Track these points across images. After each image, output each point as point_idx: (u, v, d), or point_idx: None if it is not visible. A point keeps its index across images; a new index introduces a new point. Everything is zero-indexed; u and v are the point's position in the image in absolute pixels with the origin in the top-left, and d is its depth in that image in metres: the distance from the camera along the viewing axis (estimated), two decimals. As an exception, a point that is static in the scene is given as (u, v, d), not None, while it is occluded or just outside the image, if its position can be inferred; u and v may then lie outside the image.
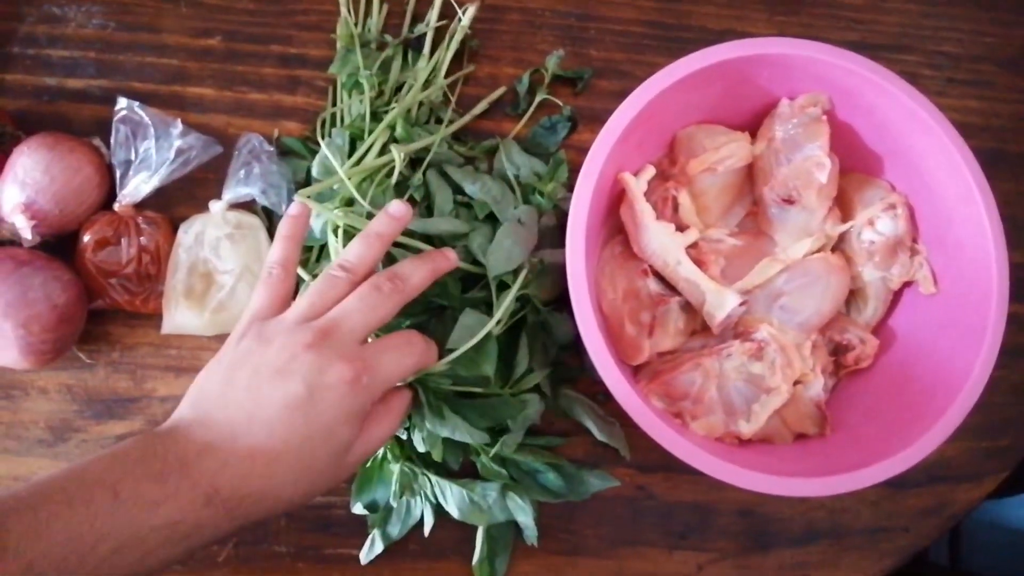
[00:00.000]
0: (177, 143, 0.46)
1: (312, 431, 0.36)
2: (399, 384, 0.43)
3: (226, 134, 0.52)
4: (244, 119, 0.52)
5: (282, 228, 0.42)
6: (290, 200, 0.49)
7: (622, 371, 0.44)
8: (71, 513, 0.32)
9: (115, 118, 0.48)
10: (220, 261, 0.48)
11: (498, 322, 0.46)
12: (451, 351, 0.46)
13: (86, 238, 0.47)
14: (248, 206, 0.51)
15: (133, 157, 0.47)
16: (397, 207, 0.42)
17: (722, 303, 0.48)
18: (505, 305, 0.45)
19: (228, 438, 0.35)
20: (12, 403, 0.49)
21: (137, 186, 0.47)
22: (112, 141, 0.48)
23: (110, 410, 0.50)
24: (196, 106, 0.53)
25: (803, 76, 0.49)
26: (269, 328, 0.38)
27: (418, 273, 0.41)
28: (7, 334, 0.44)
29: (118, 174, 0.48)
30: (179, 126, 0.48)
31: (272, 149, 0.50)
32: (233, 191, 0.49)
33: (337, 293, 0.39)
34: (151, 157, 0.46)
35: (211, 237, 0.48)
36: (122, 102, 0.48)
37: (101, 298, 0.48)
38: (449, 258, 0.44)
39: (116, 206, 0.48)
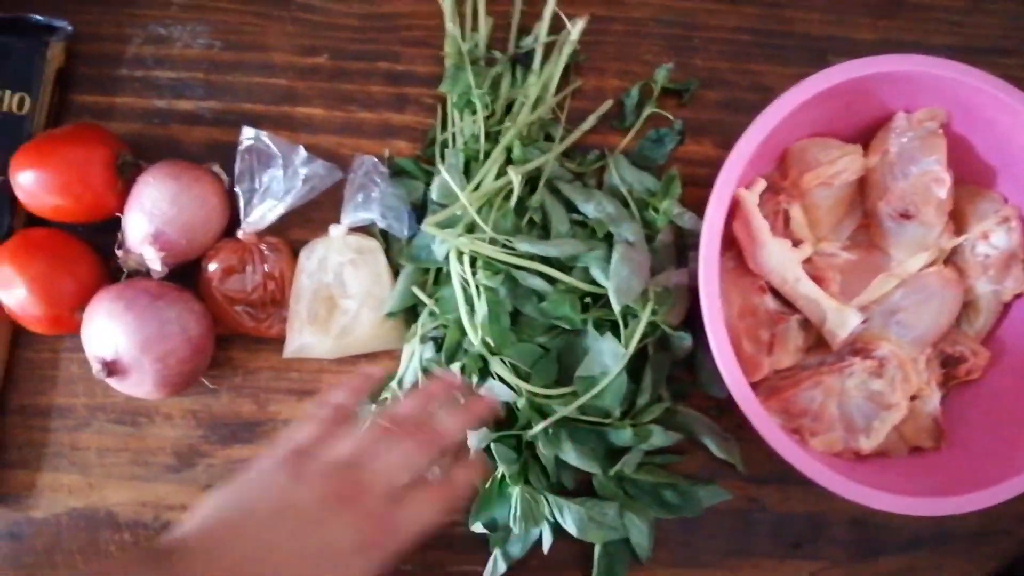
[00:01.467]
0: (303, 171, 0.47)
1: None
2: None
3: (337, 154, 0.52)
4: (354, 139, 0.53)
5: (355, 380, 0.43)
6: (411, 223, 0.50)
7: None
8: None
9: (240, 147, 0.48)
10: (343, 286, 0.49)
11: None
12: (579, 378, 0.47)
13: (212, 267, 0.48)
14: (365, 228, 0.51)
15: (257, 185, 0.47)
16: (453, 375, 0.45)
17: (844, 322, 0.48)
18: (637, 336, 0.46)
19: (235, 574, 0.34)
20: (138, 430, 0.50)
21: (263, 214, 0.48)
22: (236, 169, 0.48)
23: (235, 435, 0.51)
24: (306, 127, 0.53)
25: (923, 90, 0.49)
26: (307, 465, 0.38)
27: (459, 426, 0.42)
28: (145, 368, 0.45)
29: (241, 201, 0.48)
30: (302, 153, 0.48)
31: (386, 171, 0.50)
32: (352, 215, 0.49)
33: (381, 446, 0.39)
34: (278, 185, 0.46)
35: (334, 263, 0.49)
36: (248, 132, 0.48)
37: (227, 325, 0.48)
38: (491, 407, 0.45)
39: (240, 233, 0.48)
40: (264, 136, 0.48)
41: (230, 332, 0.50)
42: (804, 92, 0.46)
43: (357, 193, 0.49)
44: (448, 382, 0.45)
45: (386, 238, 0.51)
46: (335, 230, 0.49)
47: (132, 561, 0.34)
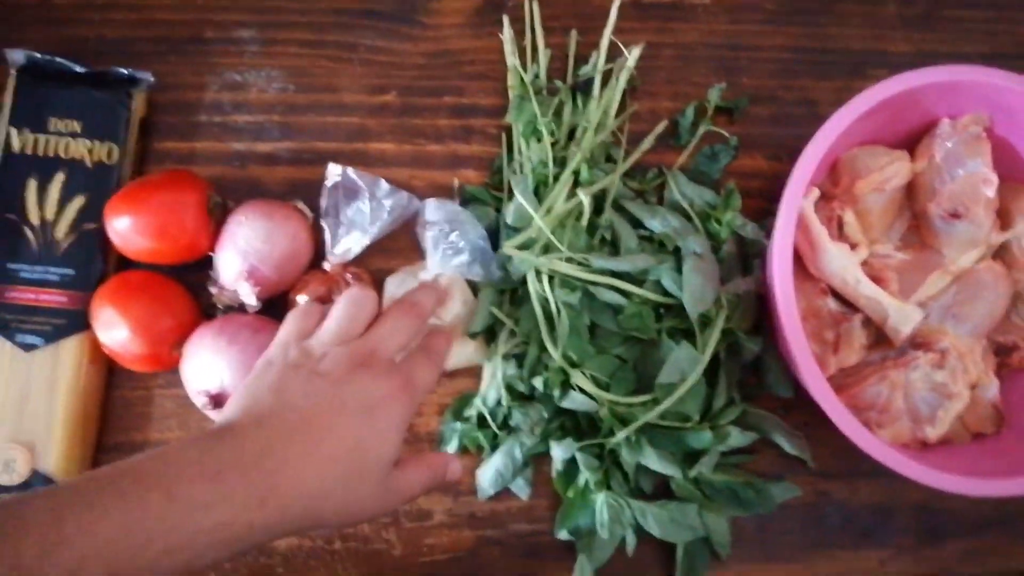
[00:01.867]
0: (387, 202, 0.49)
1: (365, 436, 0.39)
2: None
3: (410, 186, 0.55)
4: (424, 171, 0.55)
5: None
6: (496, 268, 0.52)
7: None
8: (124, 512, 0.32)
9: (327, 183, 0.50)
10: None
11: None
12: (659, 385, 0.49)
13: (302, 298, 0.50)
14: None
15: (343, 218, 0.50)
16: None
17: (907, 318, 0.51)
18: (713, 342, 0.48)
19: (286, 438, 0.37)
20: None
21: (349, 246, 0.50)
22: (323, 204, 0.51)
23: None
24: (379, 161, 0.56)
25: (965, 97, 0.52)
26: (313, 344, 0.41)
27: (428, 300, 0.47)
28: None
29: (328, 235, 0.51)
30: (384, 186, 0.51)
31: (473, 219, 0.53)
32: (441, 265, 0.51)
33: (363, 316, 0.43)
34: (363, 217, 0.49)
35: None
36: (335, 168, 0.50)
37: None
38: (438, 293, 0.49)
39: (327, 265, 0.51)
40: (350, 171, 0.50)
41: None
42: (857, 108, 0.49)
43: (441, 242, 0.51)
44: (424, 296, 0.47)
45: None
46: (424, 274, 0.52)
47: (196, 444, 0.36)
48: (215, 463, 0.35)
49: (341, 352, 0.41)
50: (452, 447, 0.53)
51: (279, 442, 0.36)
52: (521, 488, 0.53)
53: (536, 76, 0.56)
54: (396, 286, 0.52)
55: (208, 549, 0.34)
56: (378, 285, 0.53)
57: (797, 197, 0.48)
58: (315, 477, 0.37)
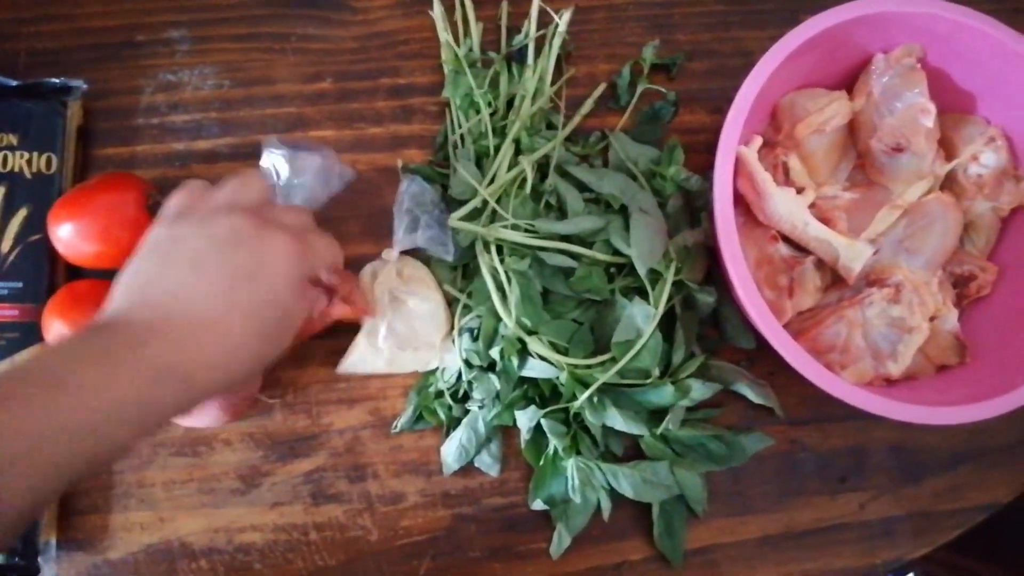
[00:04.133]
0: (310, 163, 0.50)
1: (261, 297, 0.38)
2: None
3: (354, 171, 0.55)
4: (367, 154, 0.56)
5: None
6: (456, 249, 0.53)
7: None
8: (10, 413, 0.31)
9: (262, 163, 0.51)
10: (401, 304, 0.52)
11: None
12: (615, 343, 0.50)
13: None
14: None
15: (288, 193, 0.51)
16: None
17: (857, 255, 0.52)
18: (664, 296, 0.49)
19: (177, 313, 0.36)
20: (201, 459, 0.53)
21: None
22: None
23: (293, 450, 0.53)
24: (320, 148, 0.56)
25: (896, 30, 0.53)
26: (204, 208, 0.40)
27: None
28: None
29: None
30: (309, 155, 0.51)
31: (436, 196, 0.53)
32: (402, 242, 0.52)
33: (256, 194, 0.42)
34: (305, 190, 0.50)
35: (390, 283, 0.52)
36: (266, 152, 0.51)
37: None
38: None
39: None
40: (276, 141, 0.51)
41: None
42: (786, 47, 0.50)
43: (404, 218, 0.52)
44: None
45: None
46: (388, 255, 0.53)
47: (81, 336, 0.35)
48: (103, 346, 0.34)
49: (234, 212, 0.39)
50: (410, 419, 0.54)
51: (171, 317, 0.36)
52: (489, 466, 0.54)
53: (470, 50, 0.57)
54: (370, 275, 0.52)
55: (114, 429, 0.34)
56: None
57: (732, 142, 0.48)
58: (215, 344, 0.36)
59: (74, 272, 0.53)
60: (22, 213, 0.52)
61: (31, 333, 0.51)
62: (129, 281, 0.38)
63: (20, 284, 0.51)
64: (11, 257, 0.51)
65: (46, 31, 0.57)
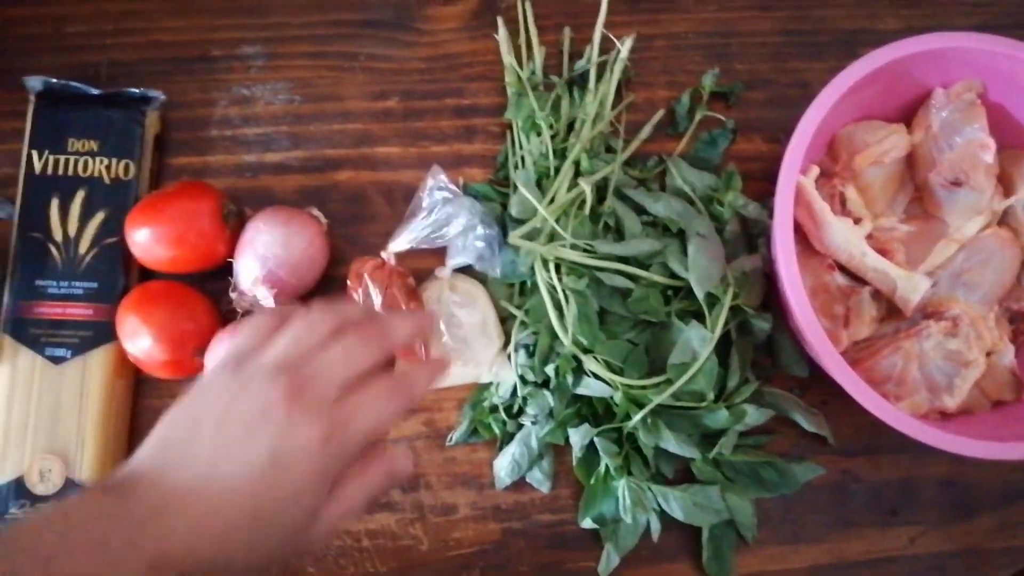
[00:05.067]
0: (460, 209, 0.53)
1: (275, 496, 0.34)
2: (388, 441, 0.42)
3: (416, 188, 0.57)
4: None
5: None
6: (503, 263, 0.54)
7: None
8: None
9: (429, 186, 0.55)
10: (455, 320, 0.54)
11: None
12: (671, 365, 0.51)
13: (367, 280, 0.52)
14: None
15: (432, 216, 0.54)
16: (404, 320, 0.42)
17: (915, 287, 0.52)
18: (722, 320, 0.50)
19: (184, 497, 0.34)
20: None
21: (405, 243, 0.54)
22: (424, 199, 0.55)
23: (349, 456, 0.54)
24: (385, 164, 0.58)
25: (956, 65, 0.54)
26: (247, 368, 0.36)
27: (401, 329, 0.40)
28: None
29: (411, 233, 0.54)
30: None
31: (492, 224, 0.55)
32: (453, 260, 0.54)
33: (319, 339, 0.37)
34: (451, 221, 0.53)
35: (447, 299, 0.54)
36: (437, 172, 0.55)
37: None
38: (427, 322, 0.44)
39: (383, 253, 0.54)
40: (441, 176, 0.55)
41: None
42: (848, 79, 0.51)
43: (457, 240, 0.54)
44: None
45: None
46: (441, 272, 0.55)
47: (85, 503, 0.33)
48: (103, 524, 0.32)
49: (270, 384, 0.35)
50: (465, 432, 0.55)
51: (177, 501, 0.33)
52: (540, 482, 0.55)
53: (532, 73, 0.59)
54: (427, 294, 0.54)
55: None
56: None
57: (794, 170, 0.50)
58: (214, 540, 0.34)
59: (146, 275, 0.55)
60: (100, 216, 0.54)
61: (104, 331, 0.53)
62: (160, 438, 0.36)
63: (95, 284, 0.53)
64: (88, 258, 0.54)
65: (124, 43, 0.60)
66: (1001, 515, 0.57)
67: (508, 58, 0.59)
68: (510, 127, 0.59)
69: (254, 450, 0.34)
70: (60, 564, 0.30)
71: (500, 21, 0.60)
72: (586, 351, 0.53)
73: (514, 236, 0.52)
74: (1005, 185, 0.56)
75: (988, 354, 0.54)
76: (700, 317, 0.53)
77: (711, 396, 0.52)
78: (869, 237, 0.55)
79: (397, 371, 0.39)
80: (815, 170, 0.56)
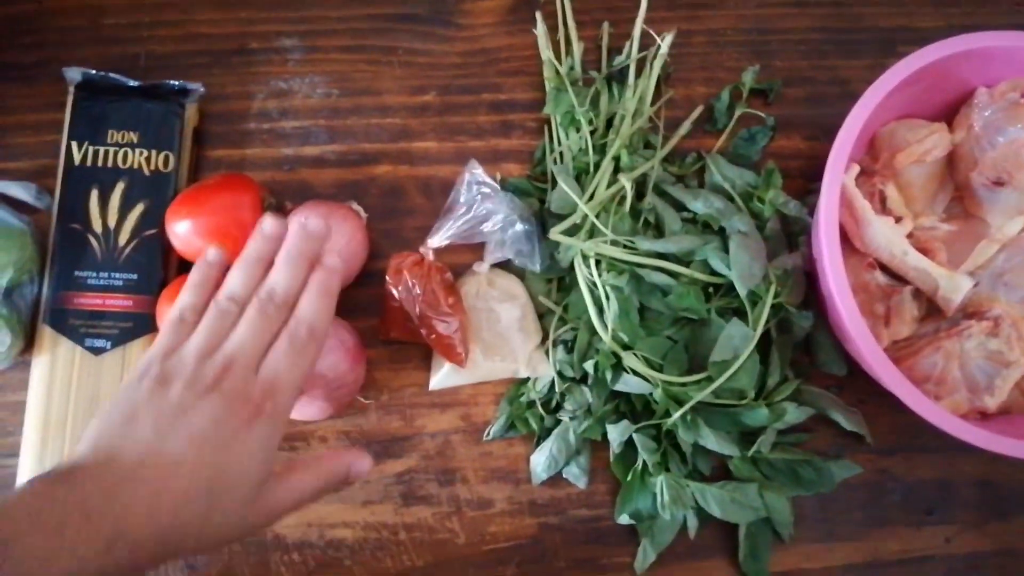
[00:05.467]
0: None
1: (220, 468, 0.37)
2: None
3: (453, 183, 0.57)
4: (467, 166, 0.57)
5: (194, 275, 0.42)
6: (542, 257, 0.54)
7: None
8: None
9: (467, 179, 0.55)
10: (494, 315, 0.54)
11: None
12: (712, 362, 0.51)
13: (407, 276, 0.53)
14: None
15: (471, 212, 0.54)
16: (270, 226, 0.42)
17: (957, 287, 0.52)
18: (764, 318, 0.50)
19: (133, 478, 0.35)
20: (298, 454, 0.55)
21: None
22: (461, 195, 0.55)
23: (387, 450, 0.55)
24: (423, 159, 0.59)
25: (999, 65, 0.54)
26: (169, 367, 0.39)
27: (295, 283, 0.41)
28: (315, 383, 0.49)
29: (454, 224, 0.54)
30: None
31: (531, 219, 0.55)
32: (492, 255, 0.54)
33: (228, 324, 0.40)
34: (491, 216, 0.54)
35: (484, 294, 0.54)
36: (473, 166, 0.55)
37: (410, 331, 0.53)
38: (329, 266, 0.42)
39: (422, 249, 0.54)
40: (479, 172, 0.55)
41: (412, 339, 0.54)
42: (893, 78, 0.51)
43: (495, 235, 0.54)
44: (269, 235, 0.42)
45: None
46: (479, 267, 0.55)
47: (35, 494, 0.34)
48: (56, 513, 0.33)
49: (194, 377, 0.38)
50: (502, 427, 0.55)
51: (126, 482, 0.35)
52: (577, 477, 0.55)
53: (571, 68, 0.59)
54: (464, 289, 0.54)
55: None
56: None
57: (839, 170, 0.50)
58: (167, 515, 0.35)
59: (185, 266, 0.55)
60: (139, 208, 0.54)
61: (144, 323, 0.53)
62: (97, 431, 0.37)
63: (135, 276, 0.54)
64: (127, 250, 0.54)
65: (162, 35, 0.60)
66: (1037, 516, 0.57)
67: (546, 53, 0.59)
68: (547, 122, 0.59)
69: (194, 426, 0.37)
70: (18, 547, 0.32)
71: (538, 16, 0.60)
72: (626, 347, 0.53)
73: (555, 232, 0.52)
74: (1047, 185, 0.56)
75: (1029, 354, 0.54)
76: (739, 314, 0.53)
77: (751, 394, 0.52)
78: (909, 236, 0.55)
79: (297, 314, 0.40)
80: (855, 168, 0.56)
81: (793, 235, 0.56)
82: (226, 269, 0.43)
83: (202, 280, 0.42)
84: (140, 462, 0.36)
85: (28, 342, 0.54)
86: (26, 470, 0.52)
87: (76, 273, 0.53)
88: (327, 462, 0.42)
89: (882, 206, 0.56)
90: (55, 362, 0.53)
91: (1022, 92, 0.55)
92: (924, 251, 0.54)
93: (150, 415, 0.37)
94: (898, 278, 0.55)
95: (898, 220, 0.55)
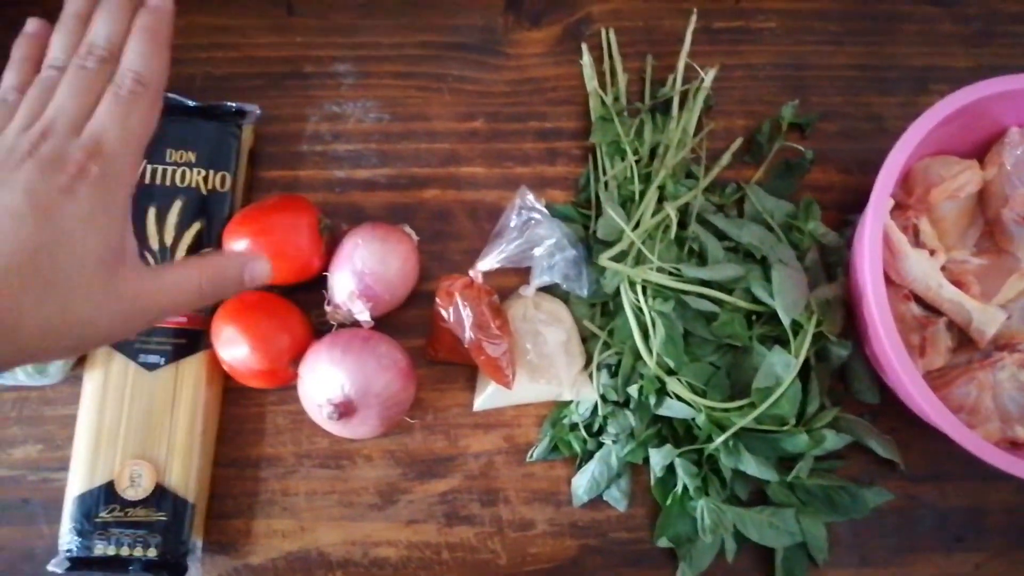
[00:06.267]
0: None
1: (46, 239, 0.33)
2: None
3: (499, 207, 0.59)
4: (513, 192, 0.59)
5: (14, 52, 0.39)
6: (589, 283, 0.56)
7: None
8: None
9: (517, 204, 0.56)
10: (540, 337, 0.55)
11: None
12: (755, 389, 0.52)
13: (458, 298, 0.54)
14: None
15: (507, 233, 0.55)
16: None
17: (991, 320, 0.54)
18: (805, 348, 0.52)
19: None
20: (343, 472, 0.56)
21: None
22: (512, 219, 0.56)
23: (430, 470, 0.56)
24: (470, 184, 0.60)
25: (1033, 105, 0.56)
26: (7, 136, 0.36)
27: (117, 30, 0.38)
28: (370, 402, 0.51)
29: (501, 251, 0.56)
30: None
31: (579, 245, 0.57)
32: (539, 279, 0.56)
33: (50, 89, 0.37)
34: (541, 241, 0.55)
35: (531, 317, 0.55)
36: (525, 193, 0.57)
37: (460, 354, 0.54)
38: (153, 5, 0.39)
39: (471, 272, 0.55)
40: (530, 198, 0.56)
41: (458, 360, 0.56)
42: (934, 118, 0.53)
43: (543, 259, 0.56)
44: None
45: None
46: (524, 290, 0.56)
47: None
48: None
49: (11, 148, 0.35)
50: (545, 449, 0.57)
51: None
52: (617, 500, 0.56)
53: (616, 99, 0.61)
54: (511, 312, 0.56)
55: None
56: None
57: (883, 205, 0.52)
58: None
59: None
60: (196, 227, 0.55)
61: (199, 340, 0.54)
62: None
63: (190, 294, 0.55)
64: (182, 268, 0.55)
65: (219, 57, 0.62)
66: (1066, 545, 0.58)
67: (592, 83, 0.61)
68: (592, 150, 0.61)
69: (9, 203, 0.33)
70: None
71: (584, 48, 0.62)
72: (670, 373, 0.54)
73: (603, 258, 0.54)
74: (1075, 222, 0.58)
75: (1059, 386, 0.56)
76: (780, 342, 0.54)
77: (792, 420, 0.54)
78: (943, 269, 0.57)
79: (122, 64, 0.37)
80: (890, 202, 0.58)
81: (830, 265, 0.58)
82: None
83: (22, 56, 0.39)
84: None
85: (81, 356, 0.55)
86: (75, 485, 0.52)
87: (133, 289, 0.54)
88: (218, 257, 0.38)
89: (915, 239, 0.58)
90: (108, 377, 0.54)
91: (1052, 132, 0.57)
92: (957, 284, 0.56)
93: None
94: (932, 309, 0.57)
95: (932, 253, 0.57)
